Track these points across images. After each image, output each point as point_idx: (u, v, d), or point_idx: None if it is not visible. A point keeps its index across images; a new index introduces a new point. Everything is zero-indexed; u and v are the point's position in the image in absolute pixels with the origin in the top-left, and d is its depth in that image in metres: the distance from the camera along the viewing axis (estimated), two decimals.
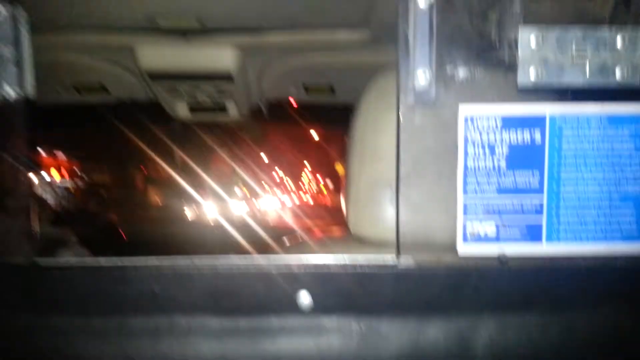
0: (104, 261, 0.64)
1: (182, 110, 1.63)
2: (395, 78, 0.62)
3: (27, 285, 0.65)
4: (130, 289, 0.63)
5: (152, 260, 0.64)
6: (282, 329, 0.62)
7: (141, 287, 0.63)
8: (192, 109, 1.62)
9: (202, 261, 0.63)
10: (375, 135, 0.72)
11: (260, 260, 0.64)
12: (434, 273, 0.60)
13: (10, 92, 0.64)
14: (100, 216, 1.71)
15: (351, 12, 1.10)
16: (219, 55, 1.35)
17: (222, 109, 1.62)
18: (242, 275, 0.62)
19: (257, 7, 1.10)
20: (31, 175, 0.67)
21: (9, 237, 0.66)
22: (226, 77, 1.42)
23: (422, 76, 0.58)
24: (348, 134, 0.78)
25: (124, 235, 1.81)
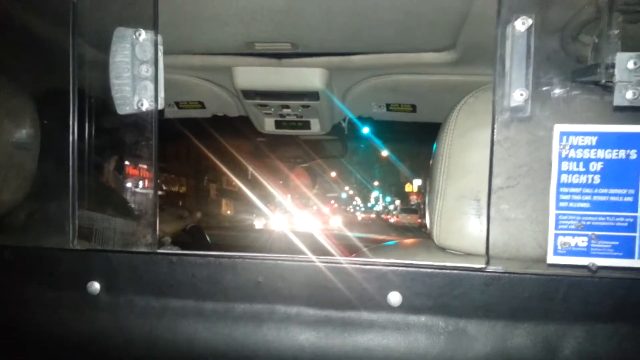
0: (214, 253, 0.73)
1: (269, 125, 1.74)
2: (489, 96, 0.66)
3: (148, 272, 0.74)
4: (238, 278, 0.71)
5: (258, 256, 0.71)
6: (372, 323, 0.67)
7: (246, 277, 0.71)
8: (278, 125, 1.73)
9: (302, 259, 0.70)
10: (464, 150, 0.76)
11: (354, 260, 0.70)
12: (523, 281, 0.63)
13: (147, 105, 0.75)
14: (187, 220, 1.85)
15: (439, 36, 1.15)
16: (308, 76, 1.44)
17: (306, 124, 1.71)
18: (337, 273, 0.68)
19: (347, 33, 1.18)
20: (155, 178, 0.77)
21: (136, 230, 0.77)
22: (313, 96, 1.51)
23: (518, 96, 0.62)
24: (423, 150, 0.82)
25: (208, 239, 1.94)
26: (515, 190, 0.64)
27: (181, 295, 0.73)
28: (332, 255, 0.73)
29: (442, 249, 0.80)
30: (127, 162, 0.78)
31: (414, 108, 1.60)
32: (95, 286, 0.73)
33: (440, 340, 0.65)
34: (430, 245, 0.83)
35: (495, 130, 0.64)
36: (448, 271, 0.65)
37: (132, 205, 0.78)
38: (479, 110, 0.75)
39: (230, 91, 1.60)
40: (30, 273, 0.77)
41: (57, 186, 0.77)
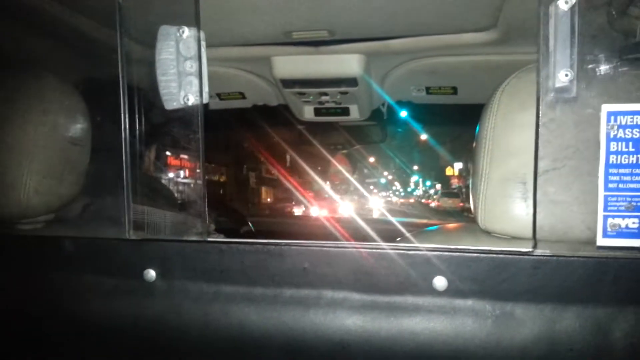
0: (262, 241, 0.75)
1: (308, 113, 1.76)
2: (533, 77, 0.65)
3: (199, 259, 0.77)
4: (285, 265, 0.73)
5: (303, 243, 0.73)
6: (417, 308, 0.68)
7: (293, 263, 0.73)
8: (318, 112, 1.74)
9: (347, 245, 0.72)
10: (508, 133, 0.75)
11: (398, 246, 0.71)
12: (571, 263, 0.62)
13: (193, 99, 0.78)
14: (232, 208, 1.90)
15: (479, 15, 1.12)
16: (346, 62, 1.44)
17: (345, 111, 1.72)
18: (382, 258, 0.69)
19: (384, 17, 1.17)
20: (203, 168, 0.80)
21: (186, 220, 0.80)
22: (351, 82, 1.51)
23: (563, 76, 0.61)
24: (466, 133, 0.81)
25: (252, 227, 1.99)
26: (561, 173, 0.63)
27: (231, 281, 0.76)
28: (374, 240, 0.73)
29: (487, 233, 0.79)
30: (175, 155, 0.82)
31: (454, 90, 1.57)
32: (151, 274, 0.77)
33: (488, 324, 0.65)
34: (474, 229, 0.83)
35: (540, 112, 0.63)
36: (494, 255, 0.65)
37: (182, 196, 0.82)
38: (522, 91, 0.74)
39: (270, 81, 1.62)
40: (89, 263, 0.82)
41: (112, 180, 0.81)
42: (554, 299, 0.63)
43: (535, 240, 0.64)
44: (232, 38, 1.34)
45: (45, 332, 0.83)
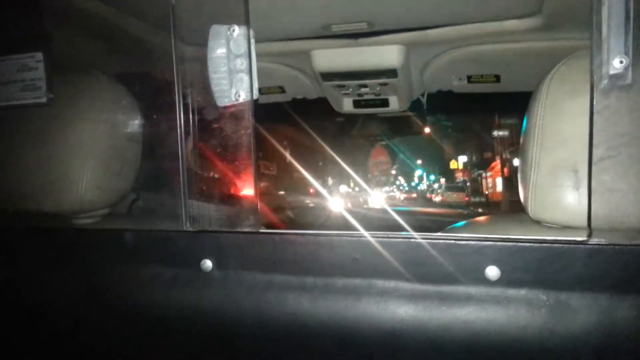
0: (313, 232, 0.77)
1: (347, 105, 1.77)
2: (583, 64, 0.64)
3: (253, 250, 0.80)
4: (335, 255, 0.75)
5: (354, 234, 0.75)
6: (470, 297, 0.69)
7: (344, 254, 0.75)
8: (357, 104, 1.75)
9: (396, 235, 0.73)
10: (558, 120, 0.74)
11: (449, 236, 0.71)
12: (628, 252, 0.62)
13: (244, 96, 0.80)
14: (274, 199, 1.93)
15: (522, 1, 1.10)
16: (385, 53, 1.44)
17: (385, 102, 1.72)
18: (432, 248, 0.70)
19: (424, 7, 1.16)
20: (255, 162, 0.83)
21: (240, 212, 0.83)
22: (391, 73, 1.51)
23: (617, 63, 0.60)
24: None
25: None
26: (617, 160, 0.62)
27: (284, 271, 0.78)
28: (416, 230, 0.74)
29: (537, 222, 0.79)
30: (228, 150, 0.85)
31: (497, 78, 1.54)
32: (208, 264, 0.81)
33: (542, 314, 0.66)
34: (523, 219, 0.83)
35: (594, 98, 0.62)
36: (548, 245, 0.65)
37: (235, 189, 0.85)
38: (572, 78, 0.73)
39: (309, 74, 1.64)
40: (148, 254, 0.86)
41: (168, 174, 0.85)
42: (610, 288, 0.63)
43: (590, 229, 0.64)
44: (273, 33, 1.37)
45: (108, 321, 0.87)
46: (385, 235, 0.73)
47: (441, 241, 0.70)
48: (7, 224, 0.95)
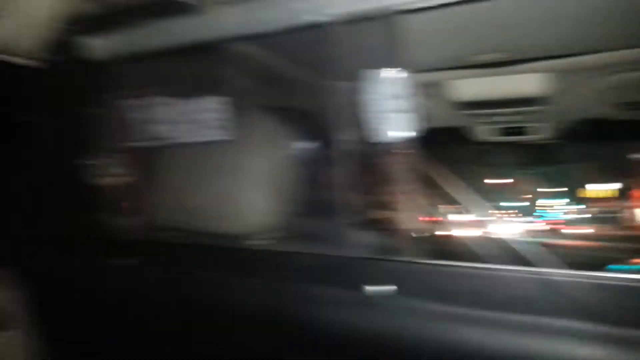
0: (483, 266, 0.76)
1: (488, 133, 1.76)
2: None
3: (411, 278, 0.81)
4: (508, 291, 0.72)
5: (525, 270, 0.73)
6: None
7: (517, 289, 0.72)
8: (499, 132, 1.73)
9: (578, 274, 0.69)
10: None
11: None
12: None
13: (398, 132, 0.86)
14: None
15: None
16: (527, 82, 1.42)
17: (527, 130, 1.68)
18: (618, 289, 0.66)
19: (569, 35, 1.12)
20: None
21: (395, 241, 0.87)
22: (532, 101, 1.49)
23: None
24: None
25: None
26: None
27: (448, 301, 0.77)
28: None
29: None
30: (386, 182, 0.89)
31: None
32: (368, 289, 0.82)
33: None
34: None
35: None
36: None
37: (393, 217, 0.89)
38: None
39: (450, 103, 1.68)
40: (314, 275, 0.89)
41: (331, 202, 0.90)
42: None
43: None
44: (417, 65, 1.43)
45: (276, 338, 0.90)
46: (567, 275, 0.69)
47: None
48: (194, 242, 1.08)
